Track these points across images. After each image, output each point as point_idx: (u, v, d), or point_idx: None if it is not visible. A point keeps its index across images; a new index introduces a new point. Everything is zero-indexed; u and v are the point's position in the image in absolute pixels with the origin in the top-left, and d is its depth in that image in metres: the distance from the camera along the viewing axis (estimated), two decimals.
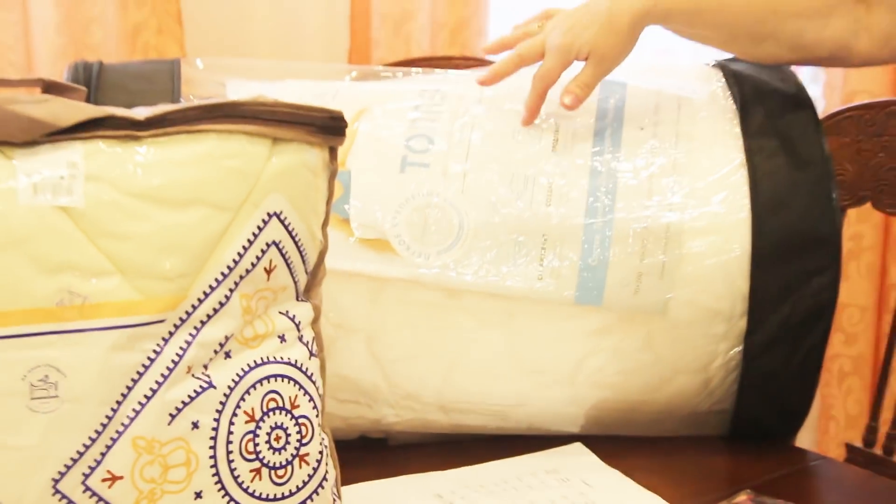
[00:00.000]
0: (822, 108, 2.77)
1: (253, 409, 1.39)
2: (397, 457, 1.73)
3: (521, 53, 1.78)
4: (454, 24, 2.80)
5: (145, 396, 1.32)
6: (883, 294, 2.89)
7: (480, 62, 2.30)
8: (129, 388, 1.32)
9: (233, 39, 2.78)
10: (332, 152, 1.45)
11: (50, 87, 1.43)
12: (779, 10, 1.81)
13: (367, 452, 1.69)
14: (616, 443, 1.77)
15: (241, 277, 1.37)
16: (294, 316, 1.44)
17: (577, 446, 1.76)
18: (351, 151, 1.69)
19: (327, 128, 1.43)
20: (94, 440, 1.31)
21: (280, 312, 1.43)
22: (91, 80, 1.66)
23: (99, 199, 1.31)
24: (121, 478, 1.32)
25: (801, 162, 1.76)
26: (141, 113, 1.35)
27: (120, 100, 1.43)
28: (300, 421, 1.43)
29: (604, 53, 1.76)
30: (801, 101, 1.83)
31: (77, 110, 1.33)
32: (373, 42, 2.81)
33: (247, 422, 1.39)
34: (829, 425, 2.97)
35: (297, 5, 2.86)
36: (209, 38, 2.75)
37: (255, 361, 1.40)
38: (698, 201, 1.74)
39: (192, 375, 1.35)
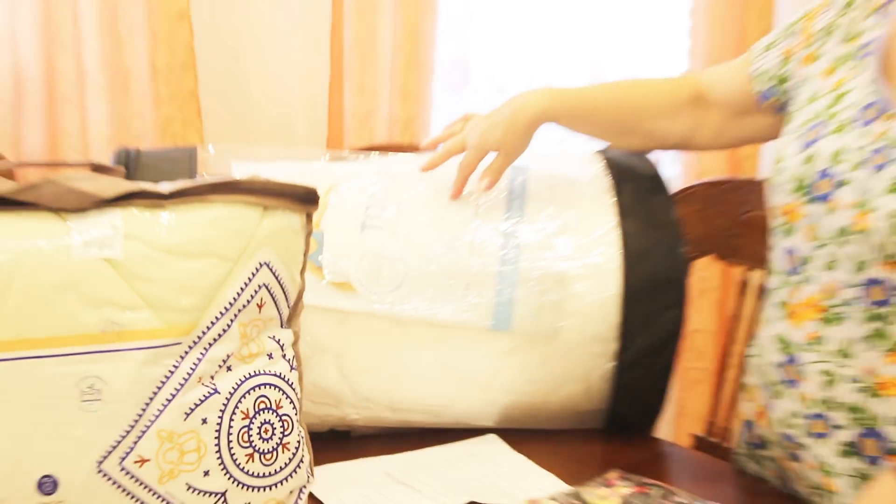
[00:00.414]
0: (681, 182, 2.79)
1: (247, 409, 1.44)
2: (358, 445, 1.74)
3: (447, 149, 1.84)
4: (405, 120, 2.83)
5: (167, 399, 1.37)
6: (723, 322, 2.94)
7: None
8: (155, 394, 1.37)
9: (241, 129, 2.79)
10: (309, 217, 1.50)
11: (97, 168, 1.45)
12: (637, 113, 1.86)
13: (334, 441, 1.71)
14: (521, 434, 1.78)
15: (239, 311, 1.42)
16: (279, 339, 1.48)
17: (492, 437, 1.78)
18: (324, 216, 1.73)
19: (305, 199, 1.48)
20: (128, 432, 1.35)
21: (269, 336, 1.47)
22: (130, 162, 1.68)
23: (134, 252, 1.36)
24: (148, 460, 1.36)
25: (657, 225, 1.81)
26: (166, 187, 1.41)
27: (151, 177, 1.46)
28: (283, 418, 1.47)
29: (509, 148, 1.81)
30: (658, 180, 1.88)
31: (118, 185, 1.40)
32: (345, 132, 2.82)
33: (243, 419, 1.43)
34: (683, 421, 2.99)
35: (289, 104, 2.87)
36: (223, 128, 2.76)
37: (249, 373, 1.44)
38: (582, 254, 1.78)
39: (202, 384, 1.40)
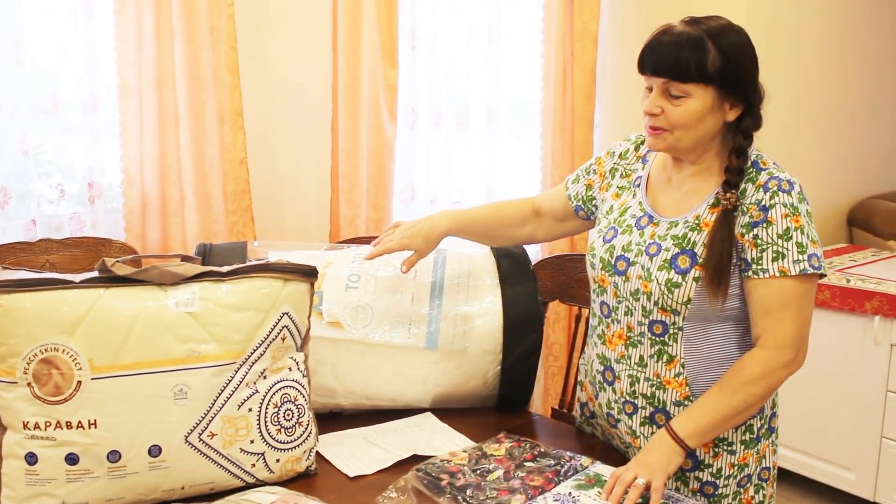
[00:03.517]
0: (540, 256, 2.79)
1: (276, 401, 1.45)
2: (346, 421, 1.71)
3: (384, 248, 1.72)
4: (375, 221, 2.82)
5: (227, 397, 1.39)
6: (568, 337, 2.93)
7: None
8: (220, 393, 1.38)
9: (277, 229, 2.77)
10: (312, 284, 1.51)
11: (184, 258, 1.46)
12: (500, 225, 1.80)
13: (331, 419, 1.69)
14: (445, 412, 1.78)
15: (271, 342, 1.44)
16: (296, 358, 1.49)
17: (428, 414, 1.78)
18: (323, 282, 1.72)
19: (309, 274, 1.49)
20: (203, 417, 1.37)
21: (289, 357, 1.48)
22: (206, 252, 1.67)
23: (205, 308, 1.38)
24: (216, 434, 1.38)
25: (524, 283, 1.81)
26: (225, 269, 1.42)
27: (219, 261, 1.46)
28: (299, 406, 1.49)
29: (422, 250, 1.72)
30: (524, 256, 1.87)
31: (196, 269, 1.44)
32: (340, 228, 2.81)
33: (273, 407, 1.45)
34: (547, 398, 2.98)
35: (306, 213, 2.86)
36: (266, 228, 2.75)
37: (277, 380, 1.45)
38: (479, 302, 1.79)
39: (248, 387, 1.42)
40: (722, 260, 1.44)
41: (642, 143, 1.67)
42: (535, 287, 1.80)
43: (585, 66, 3.07)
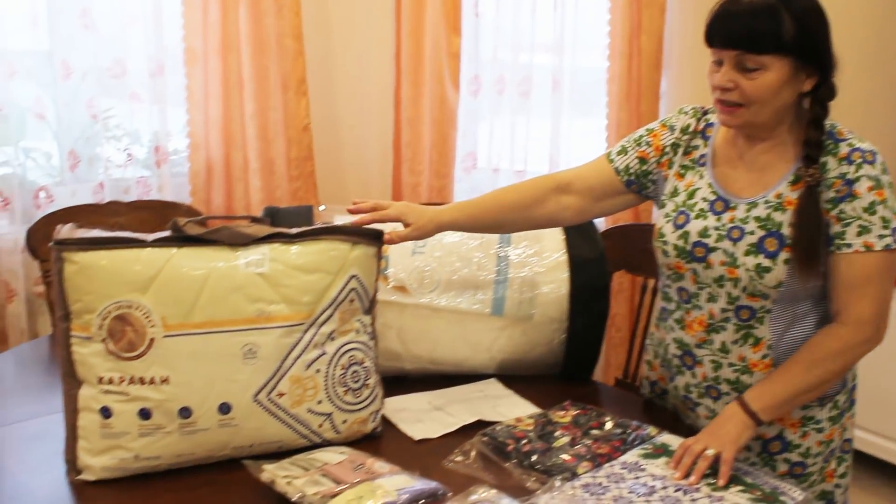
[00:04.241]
0: (605, 226, 2.76)
1: (343, 363, 1.46)
2: (410, 385, 1.72)
3: (382, 213, 1.49)
4: (437, 189, 2.81)
5: (295, 357, 1.40)
6: (633, 309, 2.90)
7: None
8: (288, 353, 1.39)
9: (339, 195, 2.79)
10: (380, 248, 1.50)
11: (253, 220, 1.47)
12: (513, 208, 1.60)
13: (396, 383, 1.68)
14: (510, 378, 1.78)
15: (339, 304, 1.44)
16: (363, 321, 1.50)
17: (493, 380, 1.78)
18: (390, 247, 1.71)
19: (377, 237, 1.49)
20: (271, 377, 1.38)
21: (356, 319, 1.48)
22: (273, 215, 1.68)
23: (275, 270, 1.38)
24: (284, 394, 1.39)
25: (591, 251, 1.79)
26: (293, 231, 1.42)
27: (286, 225, 1.46)
28: (366, 368, 1.50)
29: (418, 227, 1.50)
30: (591, 226, 1.83)
31: (266, 230, 1.44)
32: (402, 196, 2.82)
33: (341, 369, 1.45)
34: (609, 369, 2.97)
35: (368, 179, 2.87)
36: (329, 194, 2.77)
37: (345, 341, 1.46)
38: (546, 269, 1.77)
39: (316, 348, 1.42)
40: (813, 240, 1.39)
41: (702, 116, 1.58)
42: (603, 256, 1.78)
43: (652, 34, 3.02)
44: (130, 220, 2.31)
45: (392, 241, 1.50)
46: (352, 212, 1.51)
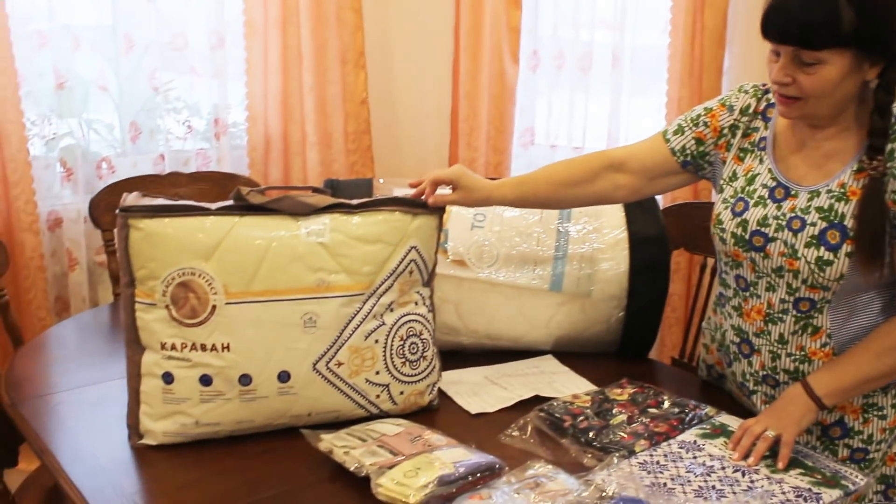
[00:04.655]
0: (663, 203, 2.71)
1: (402, 334, 1.47)
2: (467, 359, 1.73)
3: (437, 174, 1.50)
4: (494, 164, 2.81)
5: (354, 327, 1.41)
6: (689, 289, 2.86)
7: None
8: (347, 323, 1.40)
9: (396, 169, 2.79)
10: (440, 220, 1.51)
11: (315, 191, 1.47)
12: (559, 183, 1.58)
13: (452, 357, 1.68)
14: (567, 355, 1.77)
15: (399, 275, 1.45)
16: (422, 293, 1.51)
17: (549, 356, 1.78)
18: (448, 220, 1.72)
19: (437, 209, 1.50)
20: (331, 346, 1.39)
21: (416, 291, 1.49)
22: (334, 187, 1.69)
23: (336, 240, 1.39)
24: (343, 363, 1.40)
25: (651, 228, 1.77)
26: (354, 201, 1.43)
27: (346, 196, 1.46)
28: (424, 341, 1.50)
29: (465, 190, 1.49)
30: (652, 203, 1.80)
31: (327, 200, 1.45)
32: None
33: (399, 340, 1.46)
34: (664, 349, 2.93)
35: (425, 155, 2.87)
36: (385, 168, 2.78)
37: (404, 313, 1.47)
38: (605, 245, 1.75)
39: (375, 318, 1.43)
40: (877, 234, 1.33)
41: (763, 95, 1.51)
42: (664, 233, 1.76)
43: (717, 8, 2.96)
44: (191, 191, 2.34)
45: (436, 203, 1.48)
46: (411, 185, 1.52)
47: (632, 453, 1.33)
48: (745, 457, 1.32)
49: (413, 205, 1.45)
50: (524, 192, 1.57)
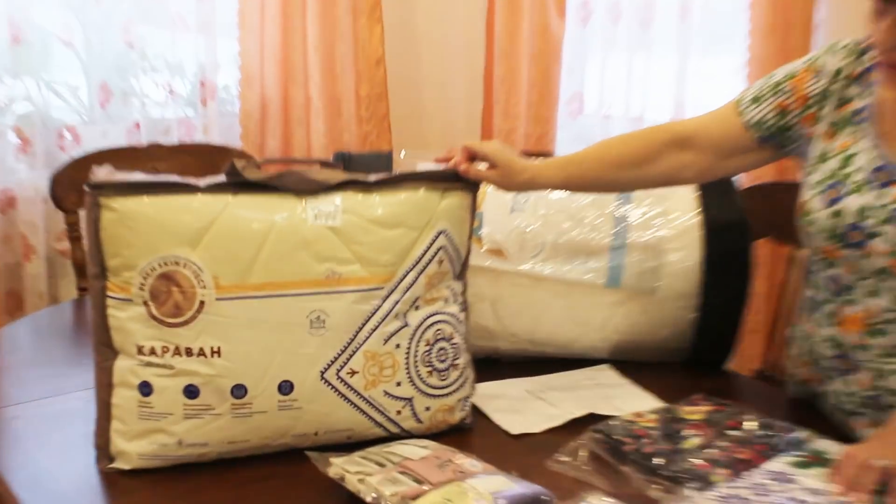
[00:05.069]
0: (742, 183, 2.69)
1: (429, 338, 1.46)
2: (506, 369, 1.74)
3: (473, 146, 1.51)
4: (536, 136, 2.80)
5: (371, 329, 1.41)
6: (772, 287, 2.83)
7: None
8: (363, 324, 1.40)
9: (417, 142, 2.79)
10: (474, 198, 1.51)
11: (324, 165, 1.48)
12: (614, 163, 1.58)
13: (488, 366, 1.68)
14: (626, 365, 1.77)
15: (425, 266, 1.44)
16: (453, 288, 1.50)
17: (605, 366, 1.78)
18: (483, 202, 1.74)
19: (471, 185, 1.50)
20: (342, 351, 1.39)
21: (445, 286, 1.49)
22: (345, 161, 1.70)
23: (349, 223, 1.39)
24: (357, 372, 1.40)
25: (730, 212, 1.77)
26: (371, 177, 1.44)
27: (360, 172, 1.46)
28: (454, 346, 1.50)
29: (500, 181, 1.52)
30: (729, 182, 1.80)
31: (339, 175, 1.44)
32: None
33: (425, 345, 1.46)
34: (741, 360, 2.90)
35: (453, 124, 2.87)
36: (405, 141, 2.77)
37: (431, 312, 1.46)
38: (674, 233, 1.75)
39: (397, 318, 1.43)
40: None
41: (861, 56, 1.48)
42: (744, 218, 1.75)
43: None
44: (172, 166, 2.35)
45: (470, 175, 1.48)
46: (439, 161, 1.52)
47: (709, 484, 1.32)
48: (850, 490, 1.30)
49: (441, 179, 1.45)
50: (572, 174, 1.58)
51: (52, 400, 1.56)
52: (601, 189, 1.67)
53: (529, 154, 1.99)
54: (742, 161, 1.60)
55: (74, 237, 2.26)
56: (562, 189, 1.63)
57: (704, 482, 1.32)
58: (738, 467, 1.36)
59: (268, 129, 2.64)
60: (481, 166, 1.53)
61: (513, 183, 1.54)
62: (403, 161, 1.82)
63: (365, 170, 1.56)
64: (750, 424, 1.49)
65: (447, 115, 2.86)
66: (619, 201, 1.77)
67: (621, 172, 1.59)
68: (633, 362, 1.77)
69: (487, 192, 1.74)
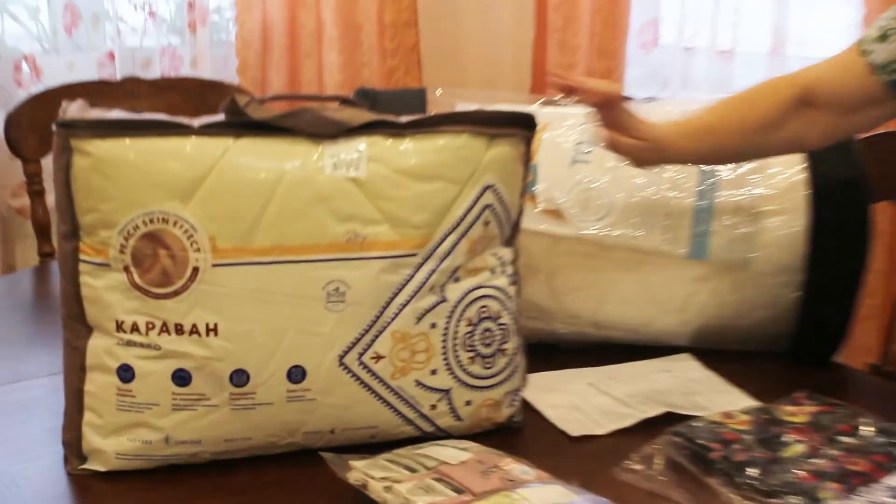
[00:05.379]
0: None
1: (471, 316, 1.46)
2: (563, 357, 1.75)
3: (600, 90, 1.56)
4: (601, 73, 2.80)
5: (401, 304, 1.41)
6: (893, 264, 2.81)
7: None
8: (391, 298, 1.40)
9: (454, 79, 2.79)
10: (528, 145, 1.50)
11: (344, 102, 1.47)
12: (745, 128, 1.62)
13: (542, 352, 1.70)
14: (711, 354, 1.77)
15: (467, 228, 1.44)
16: (501, 256, 1.50)
17: (686, 355, 1.78)
18: (538, 151, 1.74)
19: (525, 126, 1.49)
20: (366, 331, 1.39)
21: (492, 253, 1.49)
22: (369, 100, 1.70)
23: (376, 174, 1.39)
24: (383, 357, 1.41)
25: (845, 168, 1.76)
26: (404, 119, 1.43)
27: (388, 112, 1.46)
28: (502, 327, 1.49)
29: (643, 154, 1.59)
30: None
31: (363, 115, 1.43)
32: (547, 83, 2.80)
33: (467, 325, 1.46)
34: (853, 352, 2.88)
35: (497, 58, 2.86)
36: (438, 78, 2.77)
37: (474, 285, 1.46)
38: (774, 191, 1.75)
39: (433, 292, 1.43)
40: None
41: None
42: (863, 176, 1.74)
43: None
44: (155, 104, 2.35)
45: (616, 149, 1.54)
46: (561, 87, 1.55)
47: (815, 501, 1.32)
48: None
49: (490, 122, 1.44)
50: (711, 146, 1.63)
51: (9, 388, 1.58)
52: (727, 160, 1.70)
53: None
54: (870, 115, 1.61)
55: (35, 191, 2.27)
56: (692, 163, 1.67)
57: (809, 499, 1.32)
58: (852, 481, 1.36)
59: (270, 62, 2.64)
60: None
61: (647, 152, 1.58)
62: (440, 100, 1.82)
63: (394, 110, 1.56)
64: (866, 429, 1.48)
65: (490, 48, 2.85)
66: None
67: (755, 138, 1.62)
68: (719, 351, 1.77)
69: (543, 139, 1.74)
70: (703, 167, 1.75)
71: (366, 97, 1.68)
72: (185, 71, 2.64)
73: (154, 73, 2.62)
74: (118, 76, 2.53)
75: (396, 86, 2.63)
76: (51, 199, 2.20)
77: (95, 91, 2.35)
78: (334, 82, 2.65)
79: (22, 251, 2.58)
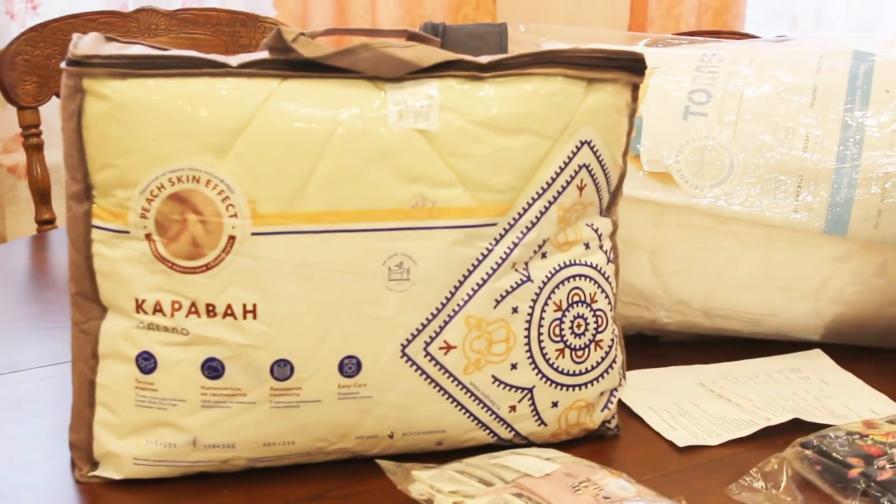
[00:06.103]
0: None
1: (560, 300, 1.46)
2: (668, 351, 1.76)
3: None
4: (717, 7, 2.77)
5: (477, 284, 1.41)
6: None
7: (744, 36, 2.27)
8: (465, 276, 1.40)
9: (535, 14, 2.79)
10: (635, 92, 1.50)
11: (412, 37, 1.48)
12: None
13: (643, 345, 1.71)
14: (848, 351, 1.77)
15: (559, 193, 1.44)
16: (597, 228, 1.51)
17: (817, 352, 1.78)
18: (643, 101, 1.73)
19: (632, 68, 1.47)
20: (434, 315, 1.40)
21: (586, 224, 1.49)
22: (442, 35, 1.70)
23: (449, 125, 1.39)
24: (454, 347, 1.41)
25: None
26: (484, 59, 1.42)
27: (462, 51, 1.46)
28: (597, 313, 1.50)
29: None
30: None
31: (435, 54, 1.42)
32: (648, 20, 2.79)
33: (555, 310, 1.46)
34: None
35: None
36: (516, 13, 2.77)
37: (564, 262, 1.47)
38: None
39: (515, 270, 1.43)
40: None
41: None
42: None
43: None
44: (175, 42, 2.37)
45: None
46: None
47: None
48: None
49: (588, 64, 1.43)
50: None
51: (3, 380, 1.61)
52: None
53: (699, 35, 2.00)
54: None
55: (32, 145, 2.29)
56: None
57: None
58: None
59: None
60: None
61: None
62: (522, 38, 1.82)
63: (469, 49, 1.56)
64: None
65: None
66: (848, 102, 1.75)
67: None
68: (857, 348, 1.78)
69: (651, 85, 1.74)
70: (846, 121, 1.74)
71: (434, 33, 1.68)
72: (211, 2, 2.66)
73: (174, 2, 2.65)
74: (130, 6, 2.56)
75: (465, 22, 2.63)
76: (51, 154, 2.24)
77: (103, 24, 2.36)
78: (390, 18, 2.64)
79: (14, 217, 2.60)
